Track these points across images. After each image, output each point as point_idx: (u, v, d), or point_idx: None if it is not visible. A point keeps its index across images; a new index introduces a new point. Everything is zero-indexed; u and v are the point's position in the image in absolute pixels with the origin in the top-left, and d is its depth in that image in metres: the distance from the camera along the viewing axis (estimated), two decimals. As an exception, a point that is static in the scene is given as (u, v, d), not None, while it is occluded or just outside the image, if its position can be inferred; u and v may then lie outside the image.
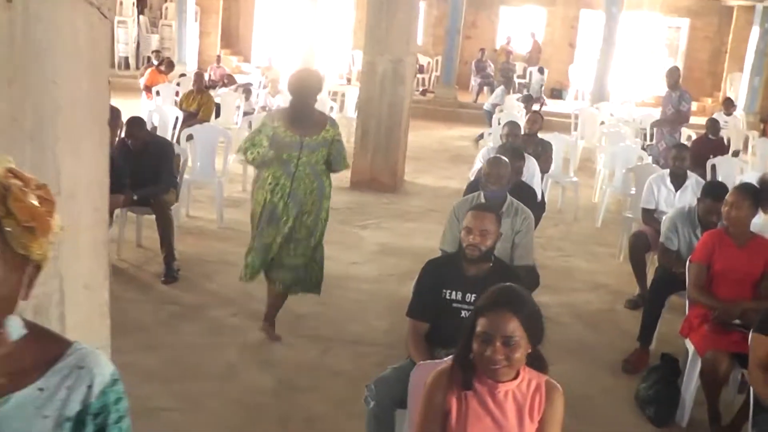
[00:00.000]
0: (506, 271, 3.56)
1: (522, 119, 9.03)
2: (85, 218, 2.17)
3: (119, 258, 6.23)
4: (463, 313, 3.37)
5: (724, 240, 4.29)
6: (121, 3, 19.90)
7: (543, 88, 19.04)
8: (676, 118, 9.06)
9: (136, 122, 5.96)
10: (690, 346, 4.25)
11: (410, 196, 9.53)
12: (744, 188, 4.37)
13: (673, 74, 9.15)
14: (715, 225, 4.73)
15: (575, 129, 13.37)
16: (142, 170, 5.97)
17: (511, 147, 5.92)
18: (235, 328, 5.11)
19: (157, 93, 11.70)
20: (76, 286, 2.17)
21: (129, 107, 11.76)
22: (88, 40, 2.07)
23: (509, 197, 4.61)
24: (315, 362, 4.69)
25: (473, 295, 3.39)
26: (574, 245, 7.85)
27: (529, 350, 2.32)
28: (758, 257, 4.22)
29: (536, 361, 2.41)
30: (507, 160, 4.75)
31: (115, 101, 13.80)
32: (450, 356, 2.49)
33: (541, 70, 19.11)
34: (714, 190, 4.86)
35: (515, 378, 2.35)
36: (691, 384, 4.19)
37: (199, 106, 9.86)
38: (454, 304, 3.44)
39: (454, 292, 3.44)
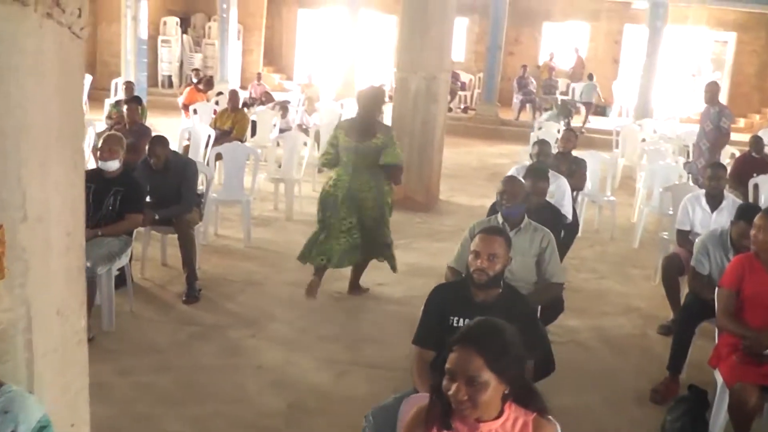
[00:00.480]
0: (516, 297, 3.42)
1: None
2: (56, 243, 2.11)
3: (143, 277, 6.23)
4: None
5: (755, 265, 4.07)
6: (164, 23, 20.26)
7: (595, 95, 18.62)
8: (717, 137, 8.75)
9: (158, 141, 5.97)
10: (719, 378, 4.04)
11: (444, 215, 9.40)
12: None
13: (710, 89, 8.85)
14: (749, 249, 4.51)
15: (617, 146, 13.10)
16: (165, 190, 5.98)
17: (536, 167, 5.78)
18: (252, 350, 5.04)
19: (194, 111, 11.78)
20: (47, 313, 2.10)
21: (170, 126, 11.89)
22: (57, 60, 2.01)
23: (526, 218, 4.50)
24: (329, 386, 4.58)
25: None
26: (608, 266, 7.63)
27: (506, 391, 2.18)
28: None
29: (527, 398, 2.26)
30: (520, 179, 4.70)
31: (157, 120, 14.02)
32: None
33: (590, 77, 18.72)
34: (748, 213, 4.63)
35: (499, 417, 2.21)
36: (719, 418, 3.97)
37: (233, 125, 9.88)
38: None
39: (461, 319, 3.31)
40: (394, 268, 6.13)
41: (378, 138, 5.59)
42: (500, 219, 4.54)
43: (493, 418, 2.20)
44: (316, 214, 5.90)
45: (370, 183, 5.62)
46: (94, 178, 5.40)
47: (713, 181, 6.02)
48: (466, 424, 2.20)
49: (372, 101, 5.72)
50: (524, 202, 4.59)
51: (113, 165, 5.27)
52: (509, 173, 6.84)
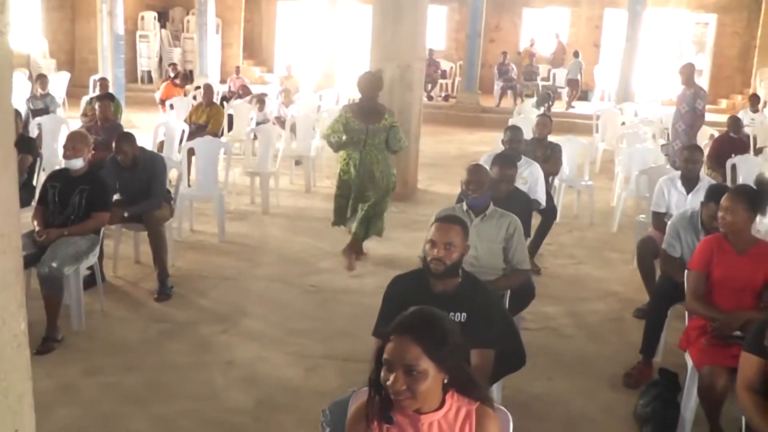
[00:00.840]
0: (476, 286, 3.37)
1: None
2: (-13, 245, 2.04)
3: (115, 275, 6.15)
4: None
5: (723, 246, 4.04)
6: (142, 18, 20.10)
7: (582, 72, 18.68)
8: (693, 118, 8.72)
9: (124, 138, 5.87)
10: (689, 361, 4.01)
11: (421, 204, 9.34)
12: (740, 191, 4.10)
13: (685, 70, 8.80)
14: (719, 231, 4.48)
15: (597, 131, 13.09)
16: (134, 186, 5.90)
17: (503, 155, 5.74)
18: (223, 346, 4.97)
19: (171, 106, 11.67)
20: (-19, 317, 2.04)
21: (149, 122, 11.78)
22: (-21, 57, 1.94)
23: (492, 205, 4.45)
24: (300, 381, 4.53)
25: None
26: (587, 252, 7.60)
27: (445, 380, 2.14)
28: (760, 265, 3.93)
29: (468, 387, 2.22)
30: (486, 167, 4.61)
31: (136, 116, 13.85)
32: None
33: (576, 54, 18.73)
34: (718, 194, 4.58)
35: (440, 408, 2.17)
36: (690, 401, 3.94)
37: (208, 119, 9.77)
38: None
39: None
40: (381, 233, 6.70)
41: (386, 119, 6.43)
42: (464, 207, 4.49)
43: (435, 409, 2.16)
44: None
45: (378, 157, 6.43)
46: (58, 177, 5.33)
47: (690, 164, 5.96)
48: (407, 416, 2.15)
49: (373, 86, 6.44)
50: (490, 190, 4.53)
51: (77, 163, 5.19)
52: (483, 160, 6.78)
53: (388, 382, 2.06)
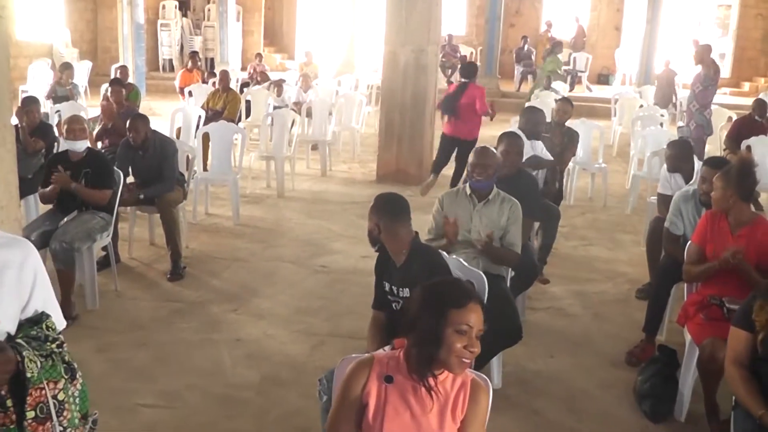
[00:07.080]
0: (424, 252, 3.51)
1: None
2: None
3: (130, 257, 6.29)
4: (394, 305, 3.46)
5: (720, 223, 4.01)
6: (164, 7, 20.24)
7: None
8: (705, 96, 8.65)
9: (139, 116, 6.05)
10: (687, 336, 4.03)
11: (436, 187, 9.30)
12: (727, 171, 4.06)
13: (699, 50, 8.73)
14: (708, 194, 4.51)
15: (615, 114, 13.04)
16: (146, 169, 6.02)
17: (510, 131, 5.75)
18: (232, 324, 5.08)
19: (189, 93, 11.79)
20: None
21: (168, 109, 11.89)
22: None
23: (495, 188, 4.46)
24: (304, 357, 4.62)
25: (400, 288, 3.47)
26: (598, 233, 7.61)
27: None
28: (751, 245, 3.88)
29: None
30: (493, 151, 4.60)
31: (158, 104, 13.90)
32: (379, 349, 2.42)
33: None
34: (712, 159, 4.70)
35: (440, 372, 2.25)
36: (688, 376, 3.97)
37: (224, 105, 9.86)
38: (389, 296, 3.54)
39: (388, 284, 3.54)
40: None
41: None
42: (468, 190, 4.50)
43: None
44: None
45: None
46: (62, 162, 5.33)
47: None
48: (408, 379, 2.24)
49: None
50: (495, 175, 4.50)
51: (80, 146, 5.30)
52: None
53: (474, 349, 2.16)
